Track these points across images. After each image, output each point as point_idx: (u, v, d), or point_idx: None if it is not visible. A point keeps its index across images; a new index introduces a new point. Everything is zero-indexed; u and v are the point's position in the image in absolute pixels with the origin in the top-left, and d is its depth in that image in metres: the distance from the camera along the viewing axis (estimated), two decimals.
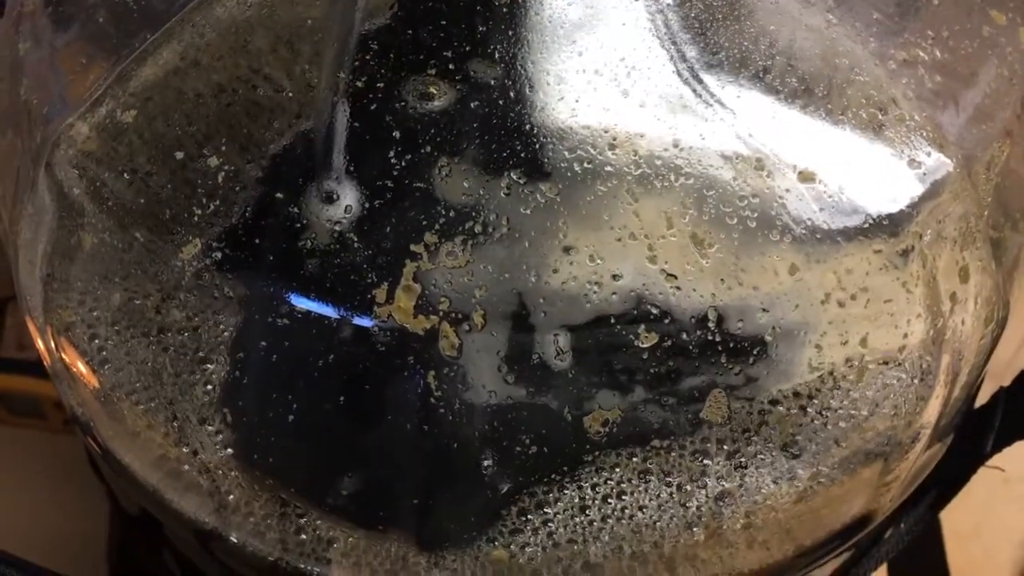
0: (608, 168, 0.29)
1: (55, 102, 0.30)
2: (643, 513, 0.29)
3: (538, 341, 0.26)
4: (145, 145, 0.27)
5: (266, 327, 0.27)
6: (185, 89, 0.31)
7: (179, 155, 0.27)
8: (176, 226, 0.26)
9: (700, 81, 0.29)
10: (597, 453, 0.30)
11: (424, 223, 0.24)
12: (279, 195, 0.26)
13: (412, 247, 0.24)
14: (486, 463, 0.29)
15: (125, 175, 0.27)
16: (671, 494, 0.30)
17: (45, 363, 0.32)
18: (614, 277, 0.28)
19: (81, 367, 0.30)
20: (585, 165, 0.29)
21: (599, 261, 0.28)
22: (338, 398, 0.27)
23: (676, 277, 0.30)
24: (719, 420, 0.28)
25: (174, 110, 0.28)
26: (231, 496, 0.30)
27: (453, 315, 0.24)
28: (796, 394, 0.31)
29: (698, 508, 0.29)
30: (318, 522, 0.29)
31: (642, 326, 0.29)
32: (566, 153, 0.28)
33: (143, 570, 0.37)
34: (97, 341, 0.29)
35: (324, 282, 0.25)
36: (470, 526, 0.29)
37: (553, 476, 0.29)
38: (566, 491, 0.30)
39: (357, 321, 0.25)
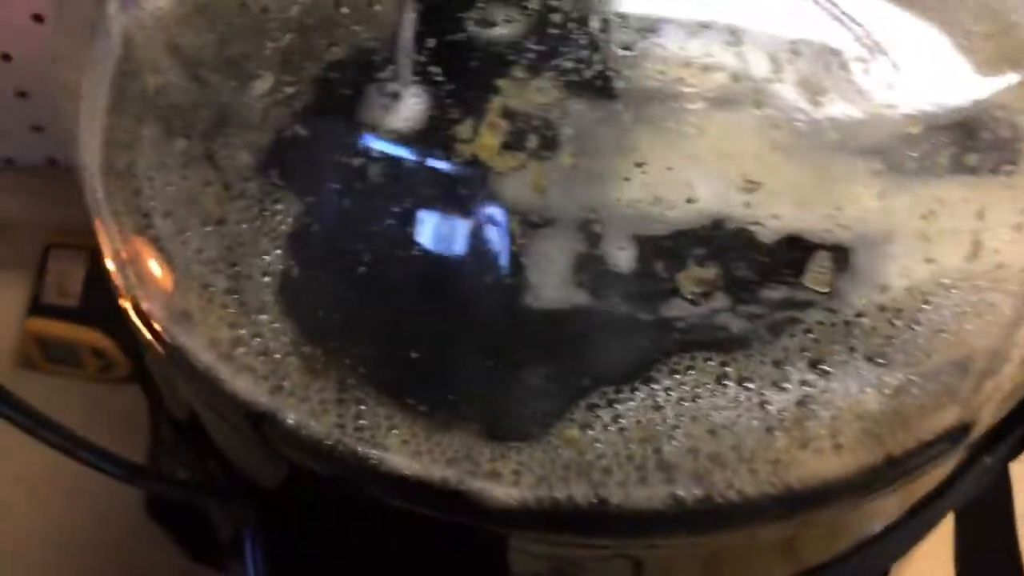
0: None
1: None
2: (719, 415, 0.28)
3: (627, 217, 0.24)
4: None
5: (333, 170, 0.25)
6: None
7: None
8: (247, 62, 0.25)
9: None
10: (672, 357, 0.28)
11: (511, 57, 0.23)
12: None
13: (498, 82, 0.23)
14: (562, 349, 0.27)
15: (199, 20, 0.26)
16: (749, 398, 0.28)
17: (104, 241, 0.31)
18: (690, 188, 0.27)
19: (146, 253, 0.29)
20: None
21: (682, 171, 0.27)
22: (407, 262, 0.25)
23: (759, 185, 0.29)
24: (822, 287, 0.27)
25: None
26: (286, 381, 0.29)
27: (541, 154, 0.23)
28: (882, 307, 0.29)
29: (779, 412, 0.28)
30: (377, 407, 0.28)
31: (726, 229, 0.28)
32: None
33: (183, 488, 0.35)
34: (162, 214, 0.28)
35: (398, 118, 0.23)
36: (539, 419, 0.27)
37: (627, 374, 0.28)
38: (638, 392, 0.28)
39: (432, 163, 0.23)
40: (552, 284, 0.28)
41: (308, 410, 0.28)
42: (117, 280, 0.32)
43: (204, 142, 0.29)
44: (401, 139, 0.27)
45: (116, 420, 0.59)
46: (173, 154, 0.30)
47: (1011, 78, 0.31)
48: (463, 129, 0.23)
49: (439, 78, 0.25)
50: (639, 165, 0.25)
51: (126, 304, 0.32)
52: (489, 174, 0.23)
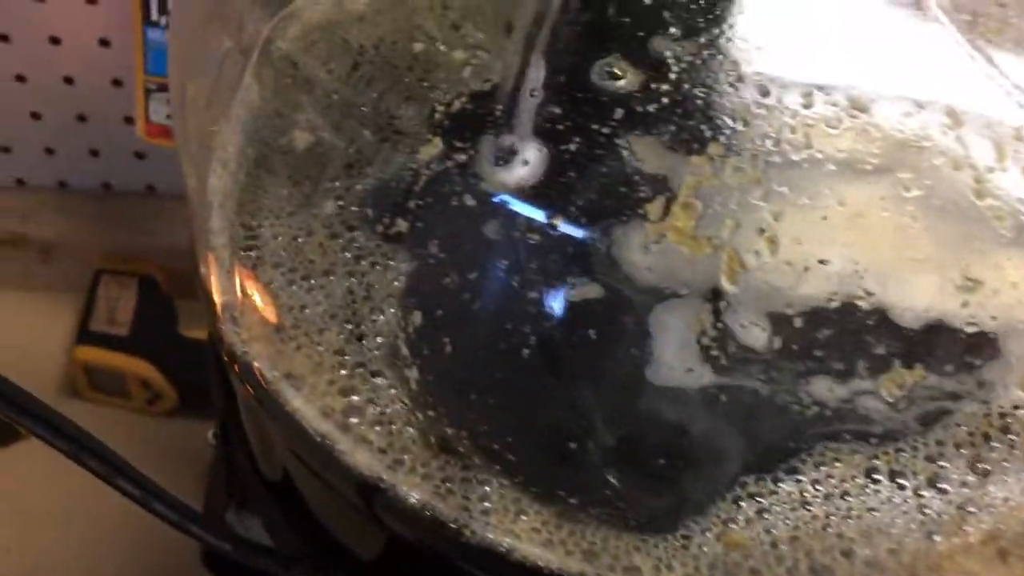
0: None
1: None
2: (873, 515, 0.26)
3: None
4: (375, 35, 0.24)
5: (479, 244, 0.24)
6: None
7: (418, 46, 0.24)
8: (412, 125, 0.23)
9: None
10: (817, 447, 0.27)
11: (706, 132, 0.21)
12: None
13: (693, 159, 0.21)
14: (712, 439, 0.25)
15: (350, 69, 0.24)
16: (905, 498, 0.26)
17: (210, 289, 0.29)
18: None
19: (257, 294, 0.28)
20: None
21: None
22: (546, 336, 0.24)
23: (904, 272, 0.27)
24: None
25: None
26: (406, 456, 0.27)
27: (739, 240, 0.21)
28: None
29: (938, 515, 0.26)
30: (503, 489, 0.26)
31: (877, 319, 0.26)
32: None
33: (270, 557, 0.33)
34: (286, 267, 0.27)
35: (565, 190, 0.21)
36: (681, 510, 0.26)
37: (770, 465, 0.26)
38: (782, 484, 0.26)
39: (593, 239, 0.21)
40: (690, 368, 0.26)
41: (430, 489, 0.26)
42: (225, 332, 0.31)
43: (329, 192, 0.28)
44: (531, 199, 0.26)
45: (162, 454, 0.57)
46: (292, 201, 0.29)
47: None
48: (652, 208, 0.21)
49: (588, 137, 0.23)
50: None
51: (228, 356, 0.30)
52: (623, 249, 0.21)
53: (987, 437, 0.27)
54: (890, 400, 0.26)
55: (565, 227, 0.26)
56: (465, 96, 0.28)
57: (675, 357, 0.26)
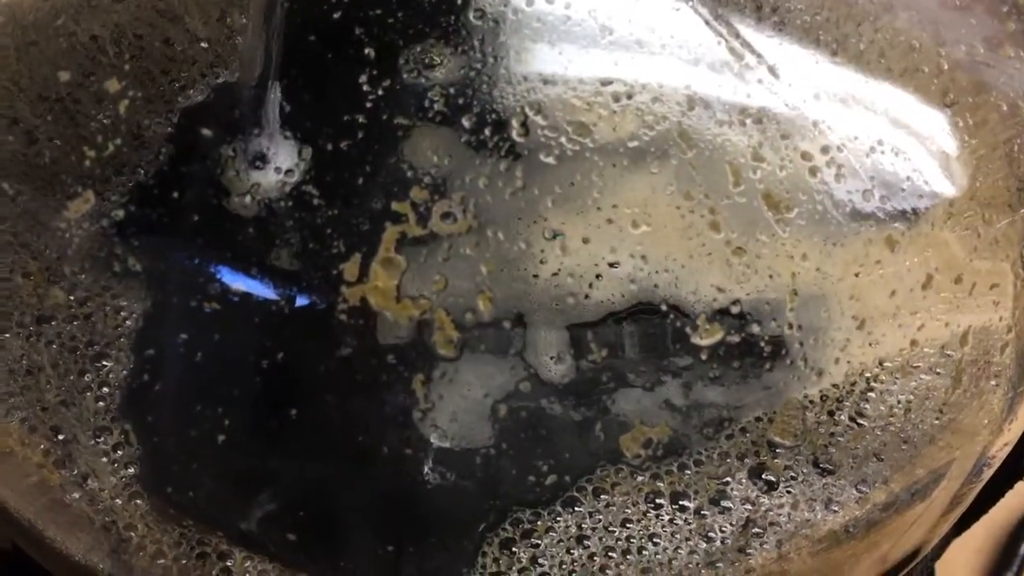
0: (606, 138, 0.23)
1: None
2: (654, 545, 0.24)
3: (558, 338, 0.20)
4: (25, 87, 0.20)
5: (186, 313, 0.20)
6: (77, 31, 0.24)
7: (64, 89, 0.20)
8: (63, 175, 0.19)
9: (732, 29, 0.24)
10: (596, 470, 0.24)
11: (409, 175, 0.18)
12: (207, 135, 0.19)
13: (394, 205, 0.18)
14: (466, 494, 0.23)
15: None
16: (686, 519, 0.24)
17: None
18: (611, 265, 0.23)
19: None
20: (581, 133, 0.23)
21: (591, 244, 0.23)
22: (283, 408, 0.20)
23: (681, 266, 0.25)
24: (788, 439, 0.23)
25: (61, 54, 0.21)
26: (133, 532, 0.24)
27: (451, 300, 0.18)
28: (825, 398, 0.26)
29: (722, 541, 0.24)
30: (247, 563, 0.23)
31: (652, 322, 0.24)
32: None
33: None
34: None
35: (271, 252, 0.18)
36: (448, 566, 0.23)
37: (544, 500, 0.24)
38: (559, 519, 0.24)
39: (311, 305, 0.18)
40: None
41: (161, 570, 0.23)
42: None
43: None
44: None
45: None
46: None
47: None
48: (349, 268, 0.18)
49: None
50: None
51: None
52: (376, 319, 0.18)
53: (772, 445, 0.25)
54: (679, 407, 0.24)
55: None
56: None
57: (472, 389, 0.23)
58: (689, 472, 0.25)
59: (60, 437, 0.24)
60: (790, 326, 0.26)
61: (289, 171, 0.18)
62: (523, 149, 0.19)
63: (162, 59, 0.24)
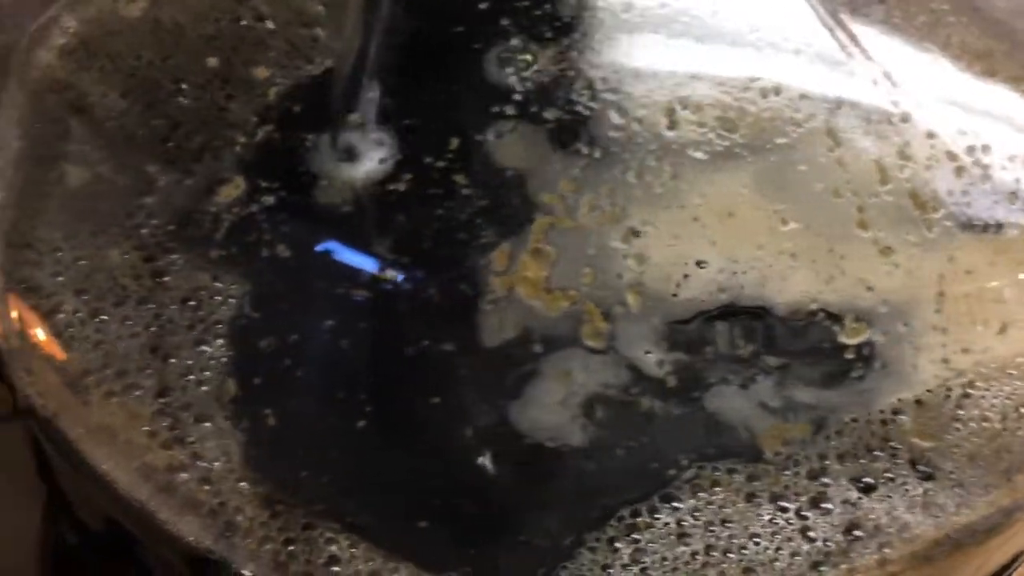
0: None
1: None
2: (755, 545, 0.24)
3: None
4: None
5: (312, 300, 0.20)
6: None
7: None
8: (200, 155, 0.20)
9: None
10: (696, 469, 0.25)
11: (557, 168, 0.18)
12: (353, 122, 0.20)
13: (544, 196, 0.18)
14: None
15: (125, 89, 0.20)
16: (788, 520, 0.24)
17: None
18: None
19: (46, 342, 0.24)
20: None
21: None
22: (400, 399, 0.21)
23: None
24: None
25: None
26: (241, 516, 0.24)
27: (599, 293, 0.18)
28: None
29: (824, 542, 0.24)
30: (354, 551, 0.23)
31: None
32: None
33: None
34: (70, 310, 0.23)
35: (417, 241, 0.18)
36: (550, 559, 0.23)
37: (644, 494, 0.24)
38: (659, 516, 0.24)
39: (453, 294, 0.18)
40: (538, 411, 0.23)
41: (270, 554, 0.23)
42: (13, 379, 0.27)
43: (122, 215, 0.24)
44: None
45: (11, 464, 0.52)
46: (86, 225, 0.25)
47: None
48: (498, 257, 0.18)
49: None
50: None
51: (28, 407, 0.26)
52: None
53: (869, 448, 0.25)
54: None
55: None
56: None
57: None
58: (788, 473, 0.25)
59: (168, 421, 0.25)
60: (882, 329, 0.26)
61: (435, 160, 0.18)
62: (671, 144, 0.19)
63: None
